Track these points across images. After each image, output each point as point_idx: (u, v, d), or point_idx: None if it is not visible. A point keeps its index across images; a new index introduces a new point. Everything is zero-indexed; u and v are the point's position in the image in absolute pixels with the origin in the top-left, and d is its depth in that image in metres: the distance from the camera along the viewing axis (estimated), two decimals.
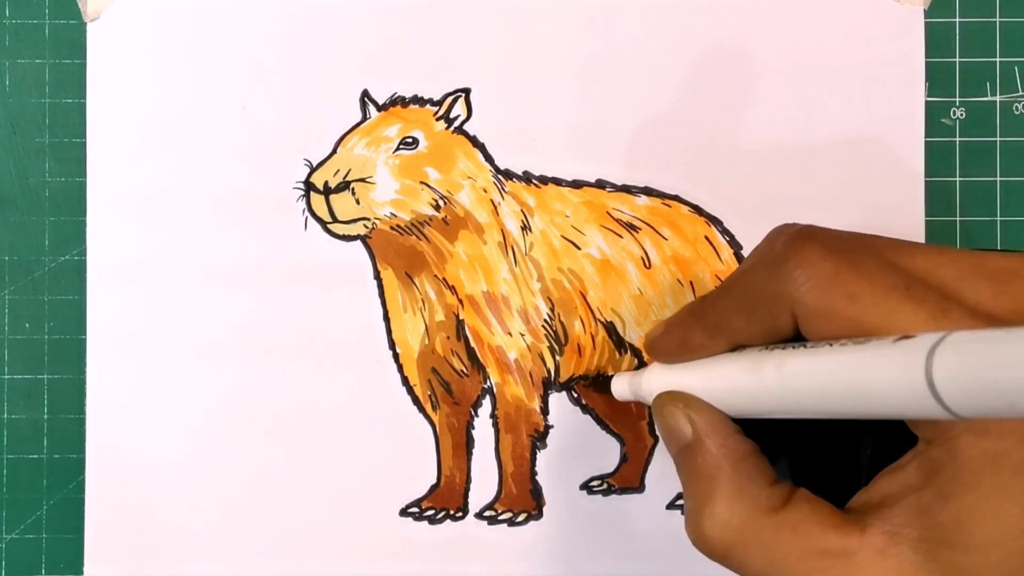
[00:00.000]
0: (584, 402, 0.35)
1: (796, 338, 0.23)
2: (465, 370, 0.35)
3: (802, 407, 0.23)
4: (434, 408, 0.35)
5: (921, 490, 0.22)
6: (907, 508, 0.22)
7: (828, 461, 0.27)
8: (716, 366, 0.25)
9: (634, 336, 0.35)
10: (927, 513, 0.22)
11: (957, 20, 0.36)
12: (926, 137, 0.36)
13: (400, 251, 0.35)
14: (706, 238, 0.35)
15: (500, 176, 0.35)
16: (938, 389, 0.18)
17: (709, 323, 0.25)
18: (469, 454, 0.36)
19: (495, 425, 0.35)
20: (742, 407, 0.25)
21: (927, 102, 0.36)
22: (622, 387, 0.30)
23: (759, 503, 0.23)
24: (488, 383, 0.35)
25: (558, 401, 0.35)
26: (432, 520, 0.35)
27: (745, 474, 0.24)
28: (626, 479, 0.35)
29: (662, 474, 0.35)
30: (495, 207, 0.35)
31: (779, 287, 0.23)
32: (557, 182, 0.35)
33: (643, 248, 0.35)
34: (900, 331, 0.20)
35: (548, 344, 0.35)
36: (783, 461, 0.26)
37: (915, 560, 0.22)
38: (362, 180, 0.34)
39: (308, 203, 0.35)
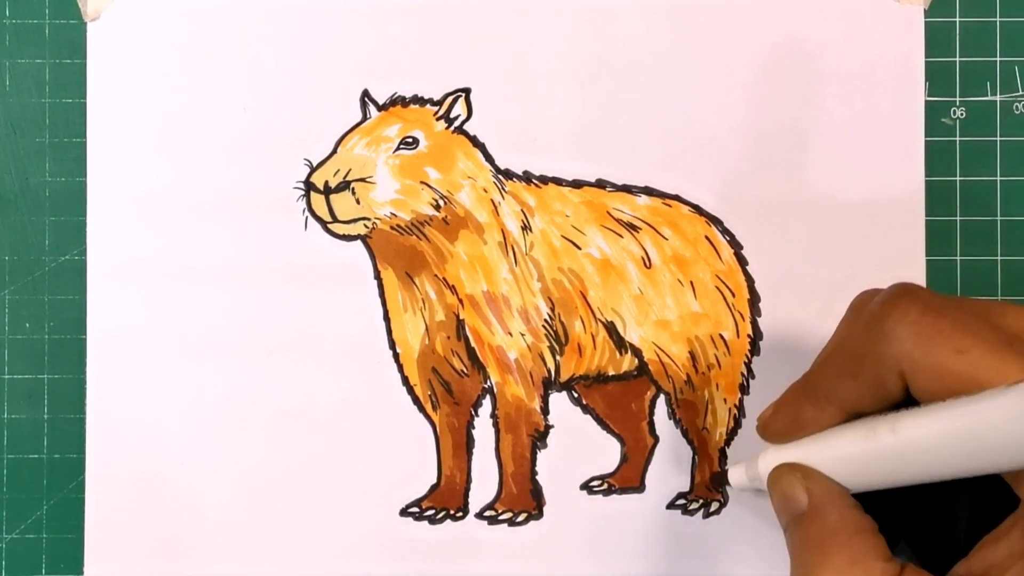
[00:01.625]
0: (584, 402, 0.35)
1: (907, 403, 0.23)
2: (465, 370, 0.35)
3: (920, 468, 0.23)
4: (434, 408, 0.35)
5: None
6: None
7: (925, 530, 0.27)
8: (830, 437, 0.25)
9: (634, 336, 0.35)
10: None
11: (957, 20, 0.36)
12: (926, 137, 0.36)
13: (400, 251, 0.35)
14: (706, 238, 0.35)
15: (500, 176, 0.35)
16: None
17: (817, 395, 0.25)
18: (469, 454, 0.35)
19: (495, 425, 0.35)
20: (858, 477, 0.25)
21: (927, 102, 0.36)
22: (739, 476, 0.31)
23: (872, 575, 0.23)
24: (488, 383, 0.35)
25: (558, 401, 0.35)
26: (432, 520, 0.35)
27: (860, 547, 0.24)
28: (626, 479, 0.35)
29: (662, 474, 0.35)
30: (495, 207, 0.35)
31: (883, 346, 0.23)
32: (557, 182, 0.35)
33: (643, 248, 0.35)
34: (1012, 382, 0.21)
35: (548, 344, 0.35)
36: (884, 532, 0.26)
37: None
38: (362, 180, 0.34)
39: (308, 203, 0.35)
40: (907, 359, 0.22)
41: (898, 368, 0.23)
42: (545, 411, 0.35)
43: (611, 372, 0.35)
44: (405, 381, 0.35)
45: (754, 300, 0.35)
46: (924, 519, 0.27)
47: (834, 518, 0.24)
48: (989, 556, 0.23)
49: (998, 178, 0.36)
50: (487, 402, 0.35)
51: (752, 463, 0.29)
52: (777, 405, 0.27)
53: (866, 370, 0.24)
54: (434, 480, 0.35)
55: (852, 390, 0.24)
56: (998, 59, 0.36)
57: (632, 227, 0.35)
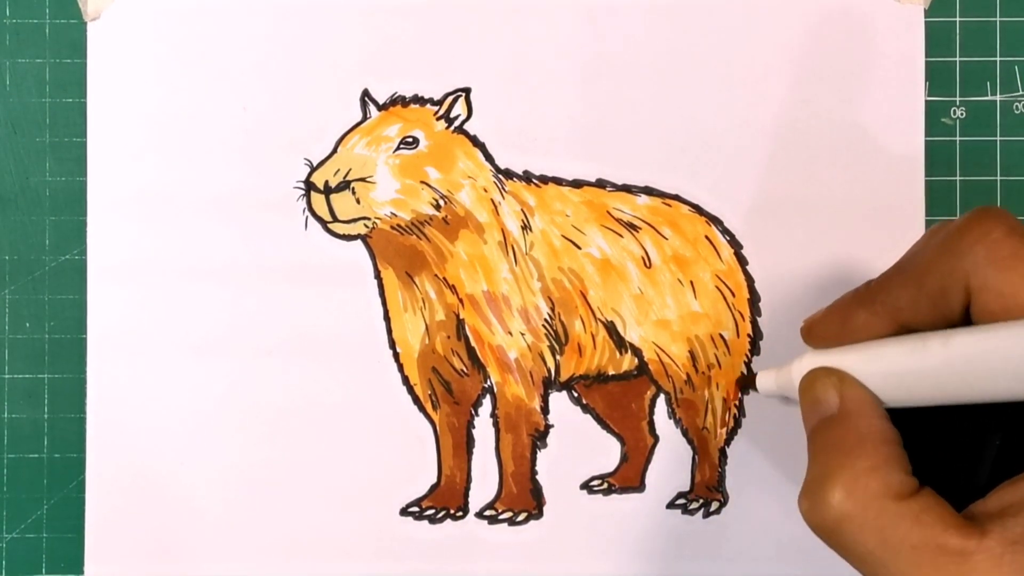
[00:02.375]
0: (584, 402, 0.35)
1: (963, 324, 0.23)
2: (465, 369, 0.35)
3: (966, 388, 0.22)
4: (434, 407, 0.35)
5: None
6: None
7: (949, 470, 0.26)
8: (875, 347, 0.25)
9: (634, 335, 0.35)
10: None
11: (957, 19, 0.36)
12: (926, 137, 0.36)
13: (400, 251, 0.35)
14: (706, 237, 0.35)
15: (500, 176, 0.35)
16: None
17: (874, 301, 0.25)
18: (469, 453, 0.35)
19: (495, 424, 0.35)
20: (898, 391, 0.24)
21: (927, 102, 0.36)
22: (768, 381, 0.30)
23: (891, 486, 0.23)
24: (488, 382, 0.35)
25: (558, 401, 0.35)
26: (432, 519, 0.35)
27: (884, 455, 0.24)
28: (626, 479, 0.35)
29: (662, 474, 0.35)
30: (495, 207, 0.35)
31: (956, 260, 0.22)
32: (557, 182, 0.35)
33: (643, 247, 0.35)
34: None
35: (548, 343, 0.35)
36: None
37: None
38: (362, 180, 0.34)
39: (308, 203, 0.35)
40: (978, 276, 0.22)
41: (966, 283, 0.22)
42: (545, 411, 0.35)
43: (611, 372, 0.35)
44: (405, 381, 0.35)
45: (754, 300, 0.35)
46: (949, 459, 0.27)
47: (863, 425, 0.24)
48: (1007, 497, 0.22)
49: (998, 178, 0.36)
50: (487, 402, 0.36)
51: (785, 368, 0.28)
52: (829, 308, 0.27)
53: (932, 280, 0.23)
54: (434, 480, 0.35)
55: (912, 299, 0.24)
56: (998, 59, 0.36)
57: (632, 227, 0.35)
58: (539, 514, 0.35)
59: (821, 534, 0.24)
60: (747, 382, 0.33)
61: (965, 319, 0.23)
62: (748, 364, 0.35)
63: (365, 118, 0.35)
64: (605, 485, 0.35)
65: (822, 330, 0.27)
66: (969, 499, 0.24)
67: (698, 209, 0.35)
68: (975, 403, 0.23)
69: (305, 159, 0.35)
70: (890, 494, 0.23)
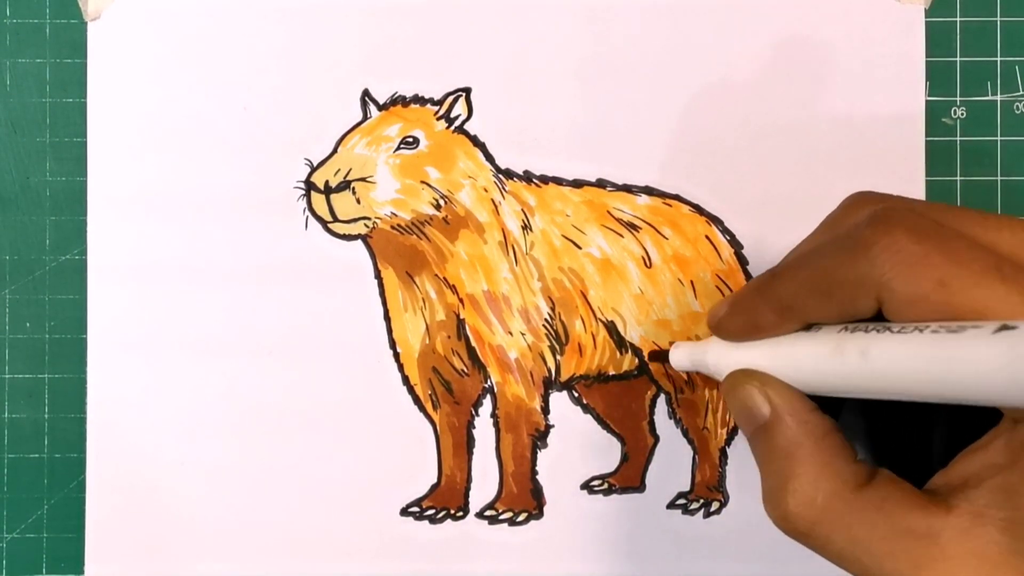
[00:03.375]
0: (585, 402, 0.35)
1: (874, 319, 0.23)
2: (466, 369, 0.35)
3: (887, 390, 0.22)
4: (435, 407, 0.35)
5: (1008, 470, 0.21)
6: (993, 488, 0.22)
7: (900, 444, 0.26)
8: (790, 346, 0.25)
9: (635, 335, 0.35)
10: (1015, 494, 0.21)
11: (958, 19, 0.36)
12: (926, 137, 0.36)
13: (401, 250, 0.35)
14: (707, 237, 0.35)
15: (501, 175, 0.35)
16: None
17: (781, 303, 0.25)
18: (470, 453, 0.35)
19: (496, 424, 0.35)
20: (818, 387, 0.24)
21: (927, 102, 0.36)
22: (681, 357, 0.30)
23: (844, 479, 0.23)
24: (489, 382, 0.35)
25: (559, 401, 0.35)
26: (433, 520, 0.35)
27: (827, 450, 0.24)
28: (627, 479, 0.35)
29: (662, 474, 0.35)
30: (496, 206, 0.35)
31: (864, 271, 0.22)
32: (558, 181, 0.35)
33: (644, 247, 0.35)
34: (993, 315, 0.20)
35: (549, 343, 0.35)
36: (859, 445, 0.26)
37: (1001, 541, 0.21)
38: (363, 179, 0.34)
39: (309, 202, 0.35)
40: (887, 289, 0.22)
41: (876, 294, 0.22)
42: (545, 411, 0.35)
43: (611, 372, 0.35)
44: (405, 381, 0.35)
45: None
46: (902, 434, 0.27)
47: (797, 426, 0.24)
48: (967, 467, 0.22)
49: (998, 178, 0.36)
50: (487, 402, 0.35)
51: (699, 349, 0.28)
52: (734, 304, 0.26)
53: (841, 291, 0.23)
54: (434, 480, 0.35)
55: (820, 305, 0.24)
56: (998, 59, 0.36)
57: (632, 227, 0.35)
58: (539, 514, 0.35)
59: (796, 540, 0.24)
60: (658, 356, 0.33)
61: (876, 316, 0.23)
62: None
63: (365, 118, 0.35)
64: (605, 485, 0.35)
65: (730, 326, 0.26)
66: (928, 469, 0.23)
67: (698, 209, 0.35)
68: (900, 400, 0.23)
69: (305, 159, 0.35)
70: (847, 488, 0.23)
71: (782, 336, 0.25)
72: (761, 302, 0.25)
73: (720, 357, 0.27)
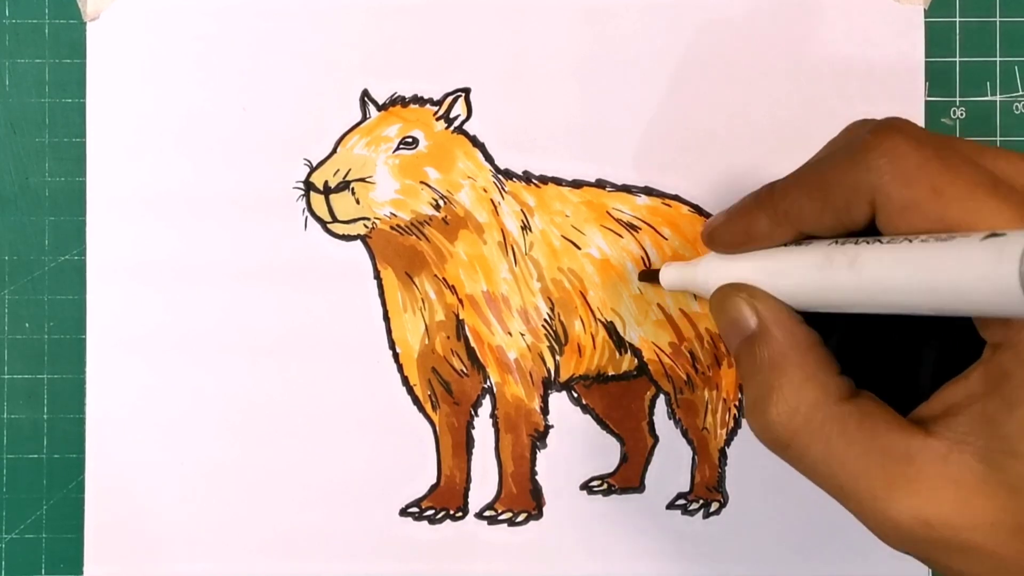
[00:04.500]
0: (584, 402, 0.35)
1: (866, 232, 0.23)
2: (465, 370, 0.35)
3: (876, 303, 0.22)
4: (434, 408, 0.35)
5: (987, 398, 0.21)
6: (972, 417, 0.22)
7: (888, 380, 0.26)
8: (781, 258, 0.25)
9: (634, 336, 0.35)
10: (993, 422, 0.21)
11: (957, 20, 0.36)
12: None
13: (400, 251, 0.35)
14: None
15: (500, 176, 0.35)
16: None
17: (778, 209, 0.25)
18: (469, 454, 0.35)
19: (495, 425, 0.35)
20: (807, 301, 0.24)
21: (927, 102, 0.36)
22: (672, 276, 0.30)
23: (828, 390, 0.23)
24: (488, 383, 0.35)
25: (558, 401, 0.35)
26: (432, 520, 0.35)
27: (813, 362, 0.24)
28: (626, 479, 0.35)
29: (662, 474, 0.35)
30: (495, 207, 0.35)
31: (861, 175, 0.22)
32: (557, 182, 0.35)
33: (643, 248, 0.35)
34: (985, 228, 0.20)
35: (548, 344, 0.35)
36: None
37: (977, 469, 0.21)
38: (362, 180, 0.34)
39: (308, 203, 0.35)
40: (882, 191, 0.22)
41: (871, 198, 0.22)
42: (545, 411, 0.35)
43: (611, 372, 0.35)
44: (405, 381, 0.35)
45: None
46: (890, 367, 0.27)
47: (784, 338, 0.24)
48: (949, 397, 0.22)
49: None
50: (487, 402, 0.35)
51: (690, 267, 0.28)
52: (730, 213, 0.26)
53: (837, 195, 0.23)
54: (434, 480, 0.35)
55: (816, 211, 0.24)
56: (998, 59, 0.36)
57: (632, 227, 0.35)
58: (539, 514, 0.35)
59: (775, 451, 0.24)
60: (649, 276, 0.33)
61: (869, 227, 0.23)
62: None
63: (365, 118, 0.35)
64: (605, 485, 0.35)
65: (724, 235, 0.26)
66: (914, 406, 0.23)
67: (698, 209, 0.35)
68: (889, 313, 0.23)
69: (305, 159, 0.35)
70: (830, 399, 0.23)
71: (773, 249, 0.25)
72: (758, 210, 0.25)
73: (710, 272, 0.27)
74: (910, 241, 0.21)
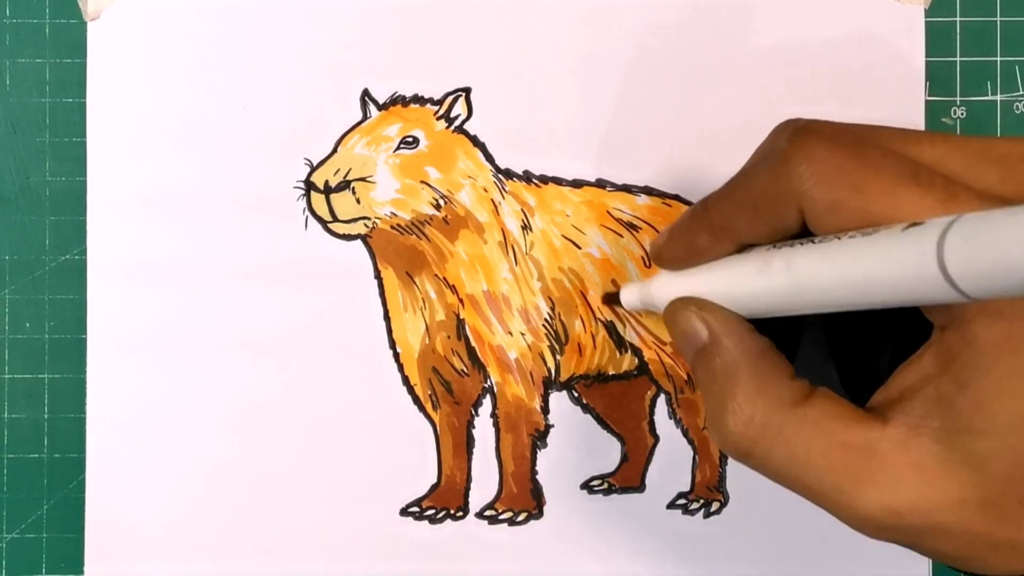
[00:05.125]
0: (584, 402, 0.35)
1: (803, 234, 0.23)
2: (465, 369, 0.35)
3: (814, 302, 0.22)
4: (434, 407, 0.35)
5: (939, 379, 0.22)
6: (926, 399, 0.22)
7: (847, 371, 0.26)
8: (724, 268, 0.25)
9: (634, 336, 0.35)
10: (946, 402, 0.21)
11: (958, 19, 0.36)
12: None
13: (400, 250, 0.35)
14: None
15: (500, 175, 0.35)
16: (950, 272, 0.18)
17: (714, 225, 0.25)
18: (470, 453, 0.35)
19: (495, 424, 0.35)
20: (754, 307, 0.24)
21: (927, 102, 0.36)
22: (631, 296, 0.30)
23: (781, 396, 0.23)
24: (488, 382, 0.35)
25: (558, 401, 0.35)
26: (432, 520, 0.35)
27: (764, 369, 0.24)
28: (626, 479, 0.35)
29: (662, 474, 0.35)
30: (495, 206, 0.35)
31: (784, 184, 0.23)
32: (557, 181, 0.35)
33: (643, 248, 0.35)
34: (909, 218, 0.20)
35: (549, 343, 0.35)
36: (818, 376, 0.26)
37: (936, 451, 0.21)
38: (362, 179, 0.34)
39: (308, 202, 0.35)
40: (806, 197, 0.22)
41: (797, 205, 0.23)
42: (545, 411, 0.35)
43: (611, 371, 0.35)
44: (405, 381, 0.35)
45: None
46: (848, 355, 0.27)
47: (734, 346, 0.24)
48: (903, 381, 0.23)
49: None
50: (487, 402, 0.35)
51: (645, 285, 0.29)
52: (671, 231, 0.27)
53: (765, 205, 0.23)
54: (434, 480, 0.35)
55: (749, 223, 0.24)
56: (998, 59, 0.36)
57: (632, 227, 0.35)
58: (539, 514, 0.35)
59: (738, 459, 0.24)
60: (612, 298, 0.34)
61: (805, 229, 0.23)
62: None
63: (365, 118, 0.35)
64: (605, 485, 0.35)
65: (668, 253, 0.27)
66: (875, 390, 0.24)
67: None
68: (829, 312, 0.23)
69: (305, 159, 0.35)
70: (784, 404, 0.23)
71: (717, 261, 0.25)
72: (695, 226, 0.26)
73: (662, 288, 0.28)
74: (839, 239, 0.21)
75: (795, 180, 0.22)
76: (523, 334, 0.35)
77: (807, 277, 0.22)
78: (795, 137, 0.23)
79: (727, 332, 0.25)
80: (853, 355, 0.27)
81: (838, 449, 0.22)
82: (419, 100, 0.35)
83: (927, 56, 0.35)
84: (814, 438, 0.23)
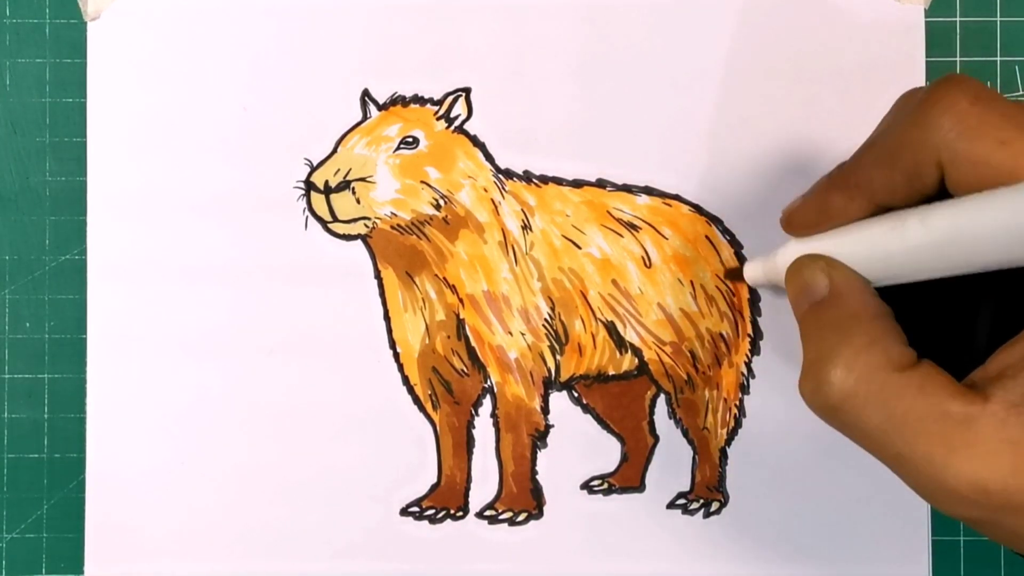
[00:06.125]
0: (585, 402, 0.35)
1: (939, 197, 0.23)
2: (465, 369, 0.35)
3: (949, 263, 0.22)
4: (435, 407, 0.35)
5: None
6: None
7: (946, 344, 0.26)
8: (855, 231, 0.25)
9: (635, 335, 0.35)
10: None
11: (958, 19, 0.36)
12: None
13: (400, 250, 0.35)
14: (706, 237, 0.35)
15: (500, 175, 0.35)
16: None
17: (849, 183, 0.25)
18: (470, 453, 0.35)
19: (495, 424, 0.35)
20: (883, 270, 0.24)
21: None
22: (755, 270, 0.30)
23: (891, 357, 0.23)
24: (488, 382, 0.35)
25: (558, 401, 0.35)
26: (432, 519, 0.35)
27: (880, 330, 0.24)
28: (626, 479, 0.35)
29: (662, 474, 0.35)
30: (496, 206, 0.35)
31: (925, 133, 0.22)
32: (558, 181, 0.35)
33: (643, 247, 0.35)
34: None
35: (549, 343, 0.35)
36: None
37: None
38: (362, 179, 0.34)
39: (308, 202, 0.35)
40: (948, 148, 0.22)
41: (937, 157, 0.22)
42: (545, 411, 0.35)
43: (611, 372, 0.35)
44: (405, 381, 0.35)
45: (754, 300, 0.35)
46: (947, 333, 0.27)
47: (855, 303, 0.24)
48: (1005, 359, 0.22)
49: None
50: (487, 402, 0.36)
51: (770, 257, 0.29)
52: (805, 196, 0.27)
53: (904, 158, 0.23)
54: (434, 480, 0.35)
55: (886, 179, 0.24)
56: (998, 59, 0.36)
57: (632, 227, 0.35)
58: (539, 514, 0.35)
59: (825, 415, 0.24)
60: (734, 273, 0.34)
61: (941, 192, 0.23)
62: (748, 364, 0.35)
63: (365, 118, 0.35)
64: (605, 485, 0.35)
65: (801, 218, 0.27)
66: (970, 370, 0.23)
67: (698, 209, 0.35)
68: (960, 275, 0.23)
69: (305, 159, 0.35)
70: (891, 366, 0.23)
71: (848, 225, 0.25)
72: (830, 187, 0.26)
73: (789, 257, 0.27)
74: (980, 195, 0.21)
75: (936, 131, 0.22)
76: (523, 334, 0.35)
77: (944, 234, 0.22)
78: (936, 87, 0.23)
79: (851, 289, 0.25)
80: (948, 327, 0.27)
81: (937, 418, 0.22)
82: (419, 100, 0.35)
83: (927, 56, 0.35)
84: (915, 403, 0.22)
